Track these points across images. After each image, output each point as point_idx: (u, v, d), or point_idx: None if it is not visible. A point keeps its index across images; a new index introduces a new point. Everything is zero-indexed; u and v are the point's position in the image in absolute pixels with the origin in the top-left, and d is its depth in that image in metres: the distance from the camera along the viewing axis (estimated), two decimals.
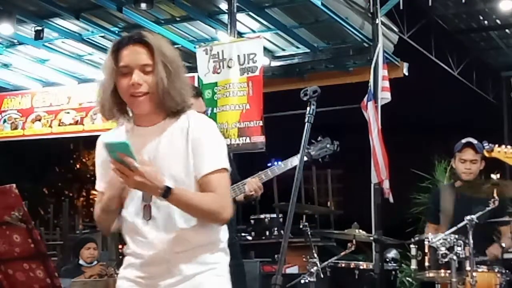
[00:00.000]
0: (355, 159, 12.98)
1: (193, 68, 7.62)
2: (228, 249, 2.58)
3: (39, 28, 9.44)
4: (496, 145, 4.60)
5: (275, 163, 4.27)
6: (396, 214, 9.60)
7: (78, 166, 23.16)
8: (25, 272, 3.16)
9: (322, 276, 4.94)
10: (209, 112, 6.91)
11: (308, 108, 2.65)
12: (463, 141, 5.36)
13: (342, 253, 5.34)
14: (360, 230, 5.44)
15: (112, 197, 2.45)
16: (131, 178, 2.27)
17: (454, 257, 4.55)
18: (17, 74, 11.30)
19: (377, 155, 7.71)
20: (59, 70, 11.21)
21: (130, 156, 2.25)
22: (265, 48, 9.15)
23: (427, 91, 17.55)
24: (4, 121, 10.40)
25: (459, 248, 4.58)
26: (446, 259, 4.59)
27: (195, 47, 8.31)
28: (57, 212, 13.90)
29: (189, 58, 8.35)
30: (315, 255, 4.96)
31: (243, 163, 6.93)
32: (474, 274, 4.54)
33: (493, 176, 4.71)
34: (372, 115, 7.86)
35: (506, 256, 5.09)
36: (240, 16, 8.72)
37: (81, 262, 6.73)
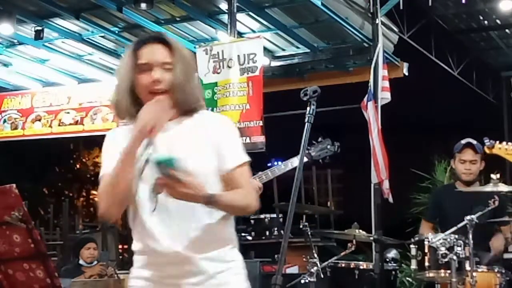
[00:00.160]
0: (355, 159, 12.99)
1: None
2: None
3: (39, 28, 9.43)
4: (497, 142, 4.61)
5: (275, 163, 4.27)
6: (396, 214, 9.60)
7: (78, 166, 23.17)
8: (25, 272, 3.16)
9: (322, 276, 4.95)
10: None
11: (308, 108, 2.65)
12: (463, 141, 5.36)
13: (342, 253, 5.35)
14: (360, 230, 5.44)
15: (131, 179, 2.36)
16: (176, 189, 2.27)
17: (454, 257, 4.55)
18: (17, 74, 11.28)
19: (377, 155, 7.70)
20: (59, 70, 11.19)
21: (176, 169, 2.25)
22: (265, 48, 9.15)
23: (427, 91, 17.57)
24: (4, 121, 10.39)
25: (459, 248, 4.58)
26: (446, 259, 4.59)
27: (195, 47, 8.30)
28: (57, 212, 13.88)
29: None
30: (315, 255, 4.97)
31: None
32: (474, 274, 4.55)
33: (493, 176, 4.71)
34: (372, 115, 7.84)
35: (506, 256, 5.10)
36: (240, 16, 8.71)
37: (81, 262, 6.73)
